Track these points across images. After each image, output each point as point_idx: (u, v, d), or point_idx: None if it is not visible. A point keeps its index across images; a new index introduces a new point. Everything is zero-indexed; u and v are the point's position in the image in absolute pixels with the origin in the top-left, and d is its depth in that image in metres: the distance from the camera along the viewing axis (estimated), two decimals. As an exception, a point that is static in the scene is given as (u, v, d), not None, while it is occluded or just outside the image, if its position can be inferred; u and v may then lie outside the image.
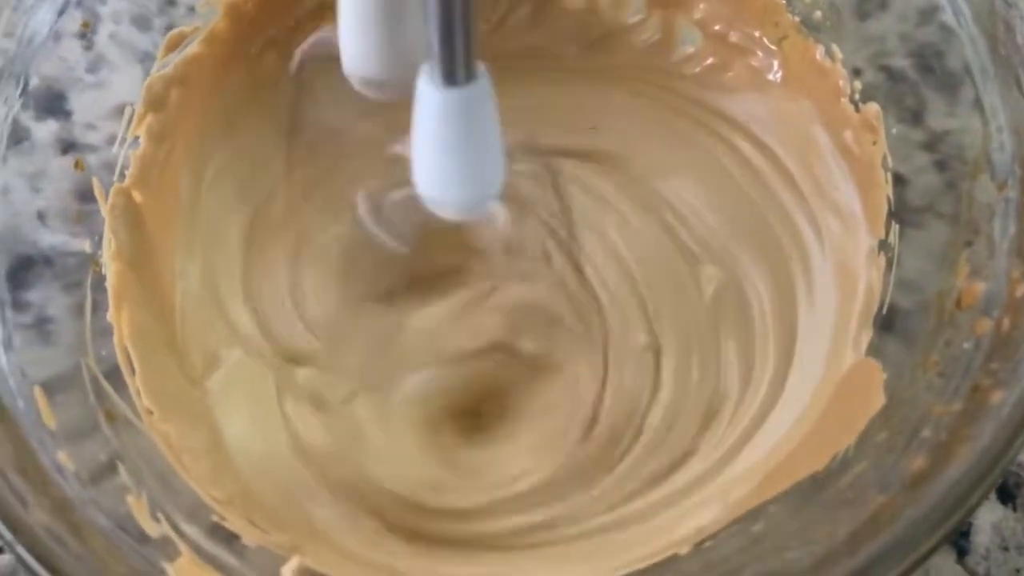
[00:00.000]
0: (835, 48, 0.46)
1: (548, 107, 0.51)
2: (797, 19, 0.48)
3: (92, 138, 0.45)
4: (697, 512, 0.43)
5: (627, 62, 0.51)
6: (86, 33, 0.44)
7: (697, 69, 0.51)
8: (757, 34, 0.49)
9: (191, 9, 0.46)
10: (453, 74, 0.31)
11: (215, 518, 0.41)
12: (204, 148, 0.48)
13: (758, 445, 0.44)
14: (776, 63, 0.49)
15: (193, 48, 0.46)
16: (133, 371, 0.43)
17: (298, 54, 0.48)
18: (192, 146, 0.47)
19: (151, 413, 0.42)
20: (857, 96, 0.46)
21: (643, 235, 0.49)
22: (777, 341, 0.47)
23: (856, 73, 0.46)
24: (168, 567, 0.37)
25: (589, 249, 0.49)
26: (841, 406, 0.42)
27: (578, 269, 0.48)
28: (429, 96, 0.32)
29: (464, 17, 0.30)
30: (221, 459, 0.44)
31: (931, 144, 0.43)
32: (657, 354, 0.47)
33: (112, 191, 0.44)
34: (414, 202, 0.35)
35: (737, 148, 0.50)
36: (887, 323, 0.43)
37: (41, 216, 0.42)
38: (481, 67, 0.32)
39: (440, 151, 0.33)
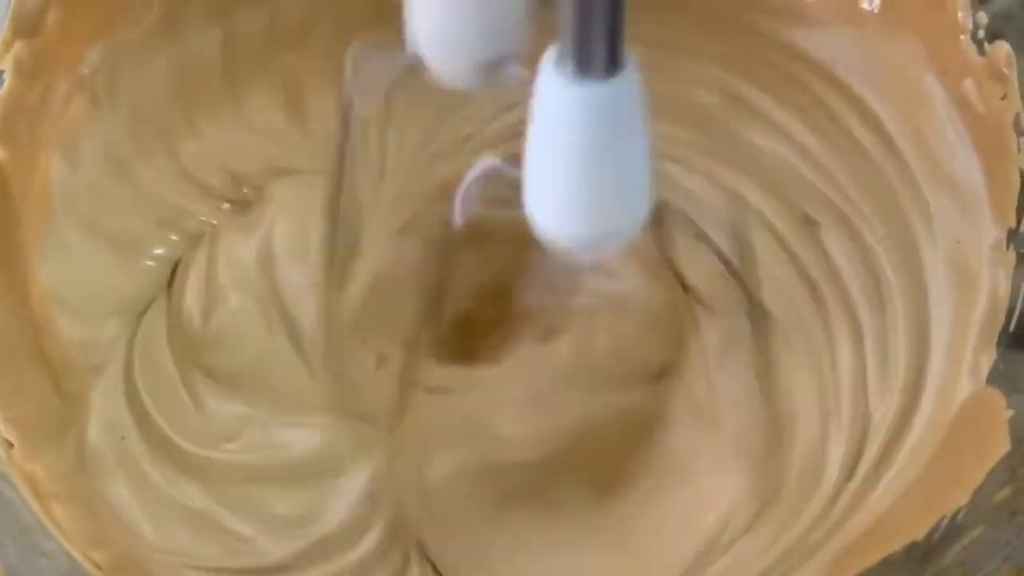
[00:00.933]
0: (953, -34, 0.47)
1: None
2: (901, -75, 0.48)
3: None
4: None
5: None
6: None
7: (771, -6, 0.51)
8: (848, -54, 0.49)
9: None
10: (591, 60, 0.30)
11: (97, 593, 0.40)
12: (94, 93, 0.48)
13: (833, 509, 0.44)
14: (874, -14, 0.50)
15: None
16: (-12, 388, 0.43)
17: None
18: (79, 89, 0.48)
19: (11, 446, 0.42)
20: (982, 33, 0.46)
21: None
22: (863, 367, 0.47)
23: (982, 1, 0.46)
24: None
25: None
26: (950, 453, 0.42)
27: None
28: (554, 90, 0.30)
29: None
30: (107, 510, 0.44)
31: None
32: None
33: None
34: None
35: (818, 100, 0.51)
36: (1017, 341, 0.43)
37: None
38: (629, 53, 0.31)
39: (565, 170, 0.32)
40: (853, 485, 0.45)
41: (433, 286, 0.46)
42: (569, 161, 0.31)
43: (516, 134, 0.33)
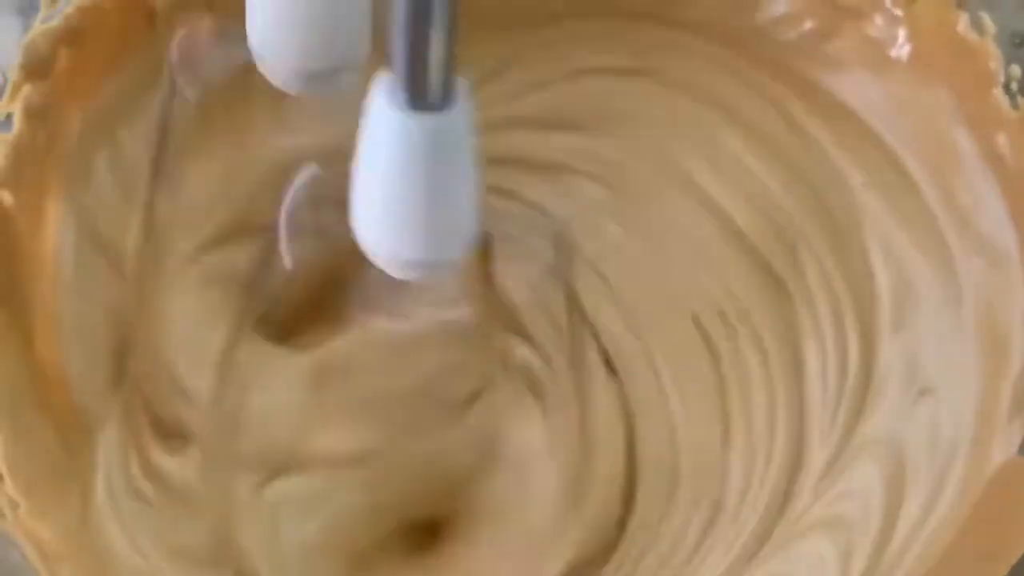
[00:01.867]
0: (986, 17, 0.46)
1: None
2: (934, -29, 0.47)
3: (-54, 115, 0.45)
4: None
5: (694, 18, 0.51)
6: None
7: (791, 35, 0.51)
8: (877, -11, 0.49)
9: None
10: (423, 93, 0.30)
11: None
12: (102, 134, 0.48)
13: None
14: (902, 33, 0.49)
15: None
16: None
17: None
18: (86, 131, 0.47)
19: (17, 506, 0.42)
20: (1015, 85, 0.45)
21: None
22: None
23: (1016, 50, 0.46)
24: None
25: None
26: (982, 529, 0.41)
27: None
28: (386, 120, 0.31)
29: (446, 13, 0.29)
30: (114, 566, 0.44)
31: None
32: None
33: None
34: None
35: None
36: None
37: None
38: (462, 83, 0.31)
39: (394, 196, 0.33)
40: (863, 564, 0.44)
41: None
42: (399, 190, 0.32)
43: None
